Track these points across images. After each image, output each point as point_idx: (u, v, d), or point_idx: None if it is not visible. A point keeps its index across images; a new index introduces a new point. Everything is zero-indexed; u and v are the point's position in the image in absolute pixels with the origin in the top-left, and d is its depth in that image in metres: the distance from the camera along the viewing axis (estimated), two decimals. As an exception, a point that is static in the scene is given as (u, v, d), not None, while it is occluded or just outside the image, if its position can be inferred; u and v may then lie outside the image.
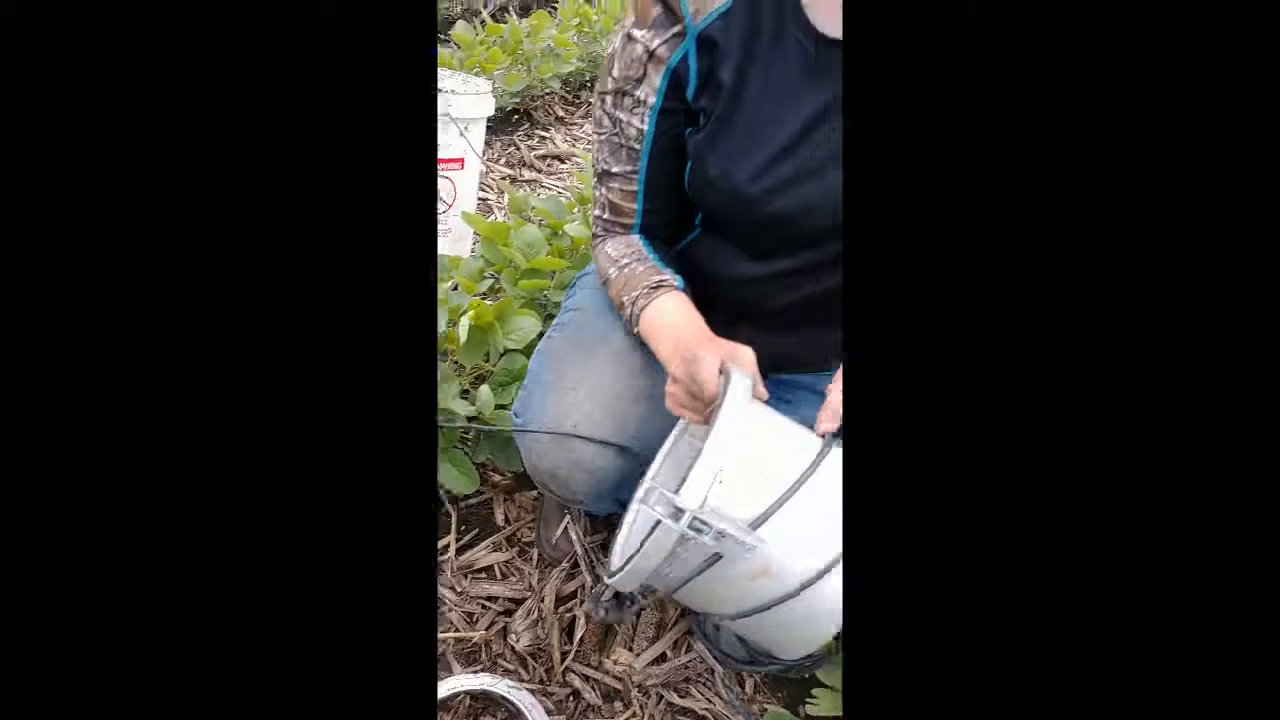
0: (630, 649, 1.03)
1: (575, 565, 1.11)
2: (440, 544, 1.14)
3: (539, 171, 2.27)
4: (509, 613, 1.07)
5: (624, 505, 0.84)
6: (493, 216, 1.96)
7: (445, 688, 0.94)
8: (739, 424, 0.62)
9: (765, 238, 0.83)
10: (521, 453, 0.89)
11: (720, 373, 0.69)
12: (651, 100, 0.78)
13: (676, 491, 0.58)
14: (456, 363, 1.17)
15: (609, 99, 0.80)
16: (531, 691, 0.96)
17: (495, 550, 1.15)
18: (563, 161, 2.34)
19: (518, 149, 2.33)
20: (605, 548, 1.12)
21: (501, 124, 2.40)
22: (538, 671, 1.00)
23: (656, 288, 0.83)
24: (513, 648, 1.02)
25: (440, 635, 1.02)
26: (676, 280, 0.84)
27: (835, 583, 0.60)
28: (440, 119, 1.53)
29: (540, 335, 1.07)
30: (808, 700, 0.77)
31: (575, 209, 1.48)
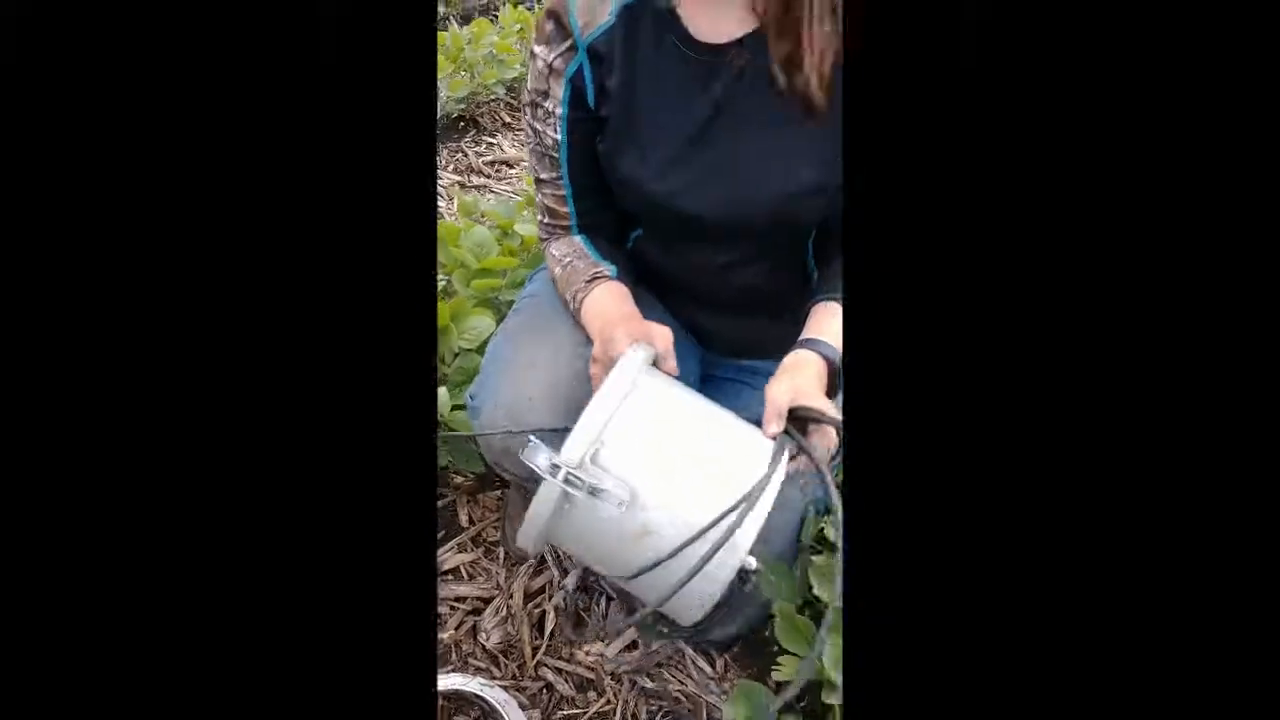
0: (601, 639, 1.03)
1: (542, 561, 1.12)
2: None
3: (487, 177, 2.27)
4: (477, 611, 1.06)
5: None
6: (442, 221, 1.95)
7: (416, 689, 0.94)
8: (624, 388, 0.66)
9: (684, 233, 0.88)
10: (477, 438, 0.90)
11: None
12: (559, 110, 0.84)
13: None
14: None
15: (528, 111, 0.87)
16: (504, 687, 0.96)
17: (461, 551, 1.14)
18: (511, 167, 2.34)
19: (465, 155, 2.32)
20: (571, 541, 1.12)
21: (448, 131, 2.39)
22: (510, 668, 1.00)
23: (592, 280, 0.87)
24: (483, 646, 1.02)
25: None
26: (610, 271, 0.88)
27: (716, 544, 0.62)
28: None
29: (494, 333, 1.08)
30: (772, 667, 0.79)
31: (525, 210, 1.49)
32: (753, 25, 0.76)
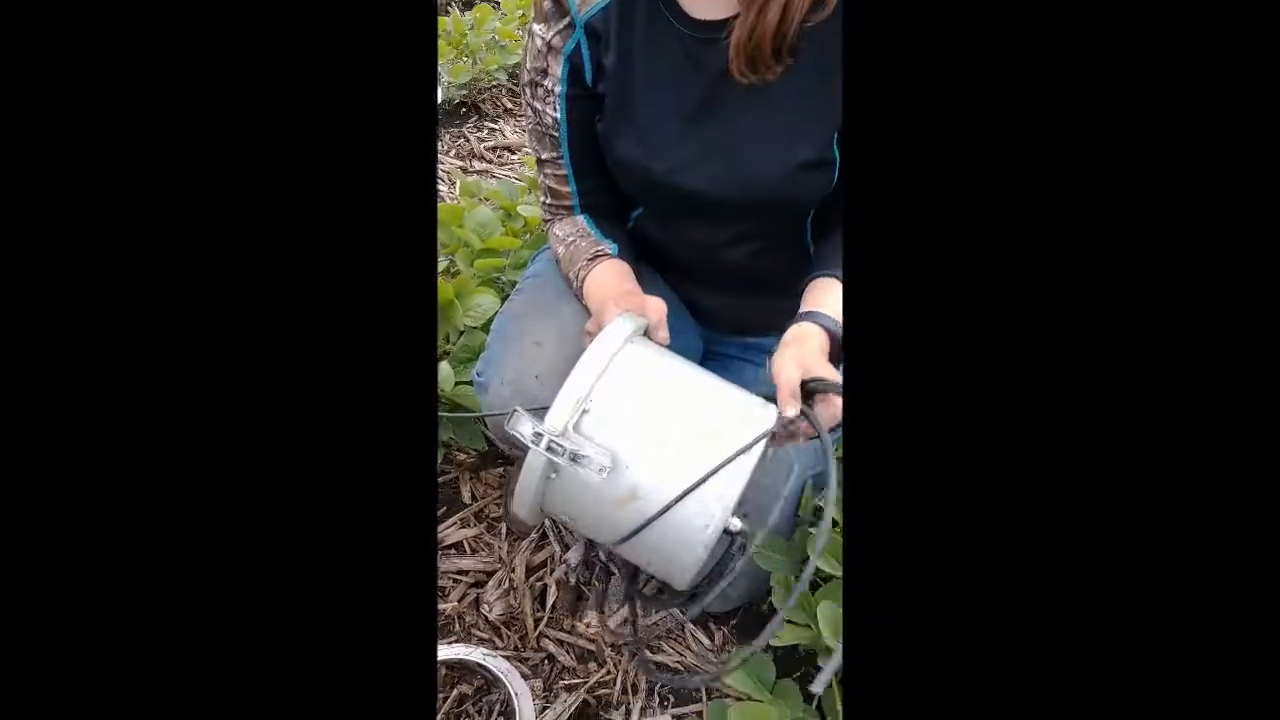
0: (602, 612, 1.05)
1: (544, 536, 1.13)
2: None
3: (489, 163, 2.27)
4: (480, 584, 1.08)
5: None
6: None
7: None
8: (607, 355, 0.67)
9: (685, 210, 0.88)
10: (484, 414, 0.92)
11: None
12: (558, 89, 0.84)
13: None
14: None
15: (527, 90, 0.87)
16: (506, 658, 0.97)
17: (463, 526, 1.16)
18: (513, 152, 2.34)
19: (467, 140, 2.33)
20: (573, 517, 1.14)
21: (449, 116, 2.39)
22: (512, 639, 1.02)
23: (594, 258, 0.88)
24: (486, 618, 1.03)
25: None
26: (611, 248, 0.89)
27: (699, 504, 0.63)
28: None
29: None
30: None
31: (528, 193, 1.50)
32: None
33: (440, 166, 2.16)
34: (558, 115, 0.85)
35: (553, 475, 0.66)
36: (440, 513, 1.17)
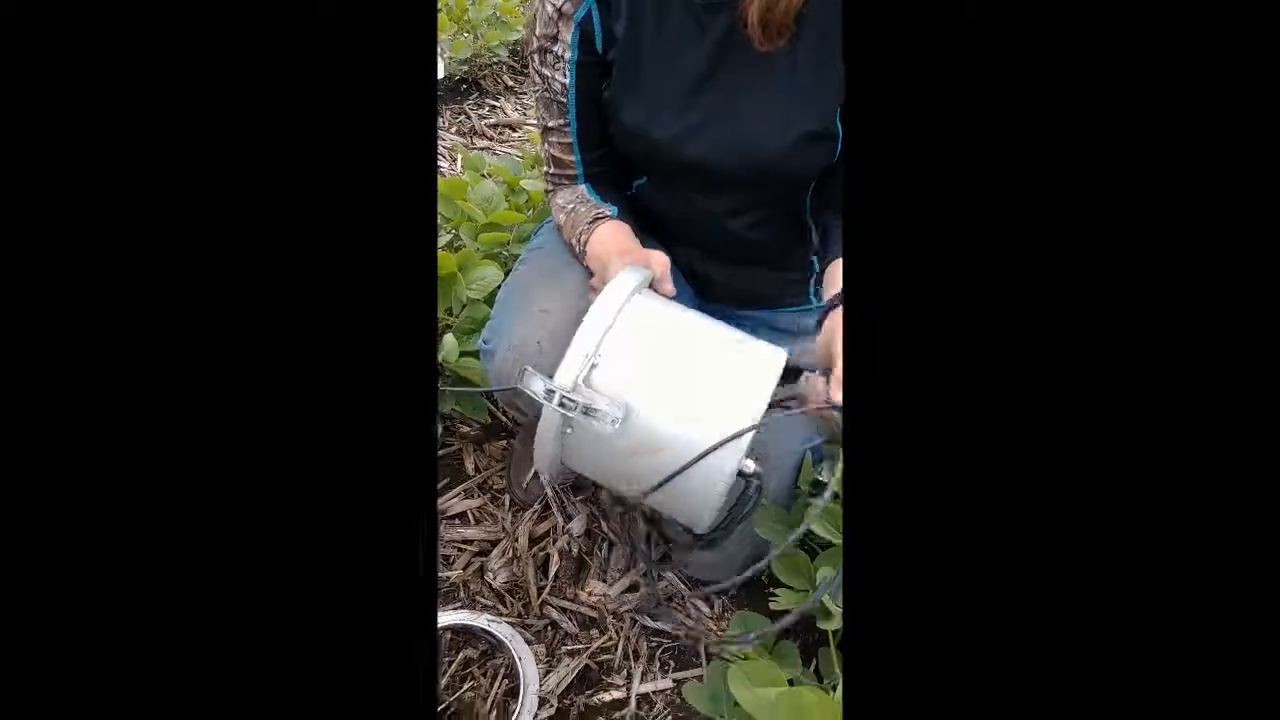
0: (604, 580, 1.07)
1: (547, 507, 1.15)
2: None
3: (491, 140, 2.27)
4: (484, 553, 1.10)
5: None
6: (447, 183, 1.96)
7: (426, 623, 0.97)
8: (614, 309, 0.67)
9: (686, 181, 0.89)
10: (491, 380, 0.93)
11: None
12: (568, 55, 0.84)
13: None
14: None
15: (535, 57, 0.87)
16: (511, 624, 0.99)
17: (467, 497, 1.17)
18: (514, 130, 2.34)
19: (468, 118, 2.32)
20: (576, 488, 1.15)
21: (450, 93, 2.38)
22: (515, 606, 1.04)
23: (594, 220, 0.89)
24: (490, 585, 1.05)
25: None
26: (611, 210, 0.90)
27: (713, 443, 0.65)
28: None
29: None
30: (769, 596, 0.83)
31: (531, 168, 1.50)
32: None
33: (441, 143, 2.16)
34: (566, 81, 0.86)
35: (568, 430, 0.67)
36: (444, 484, 1.19)
